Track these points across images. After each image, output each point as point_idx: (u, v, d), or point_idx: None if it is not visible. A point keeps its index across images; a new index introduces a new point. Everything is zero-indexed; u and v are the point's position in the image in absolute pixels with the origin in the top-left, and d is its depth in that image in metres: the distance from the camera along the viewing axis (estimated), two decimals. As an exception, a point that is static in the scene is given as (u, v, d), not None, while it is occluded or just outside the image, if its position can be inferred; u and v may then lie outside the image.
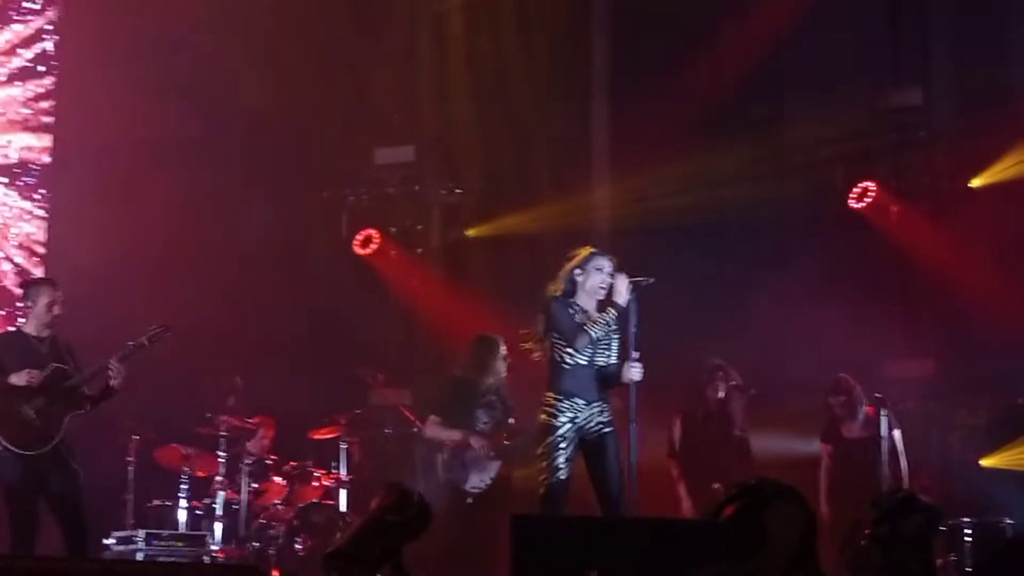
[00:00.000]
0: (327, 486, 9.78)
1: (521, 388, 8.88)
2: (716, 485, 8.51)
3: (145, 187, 11.03)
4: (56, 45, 11.81)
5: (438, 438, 9.02)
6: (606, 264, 7.31)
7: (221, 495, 9.51)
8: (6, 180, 11.69)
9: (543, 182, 11.32)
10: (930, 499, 4.74)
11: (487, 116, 11.48)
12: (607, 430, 7.23)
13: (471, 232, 11.62)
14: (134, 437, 9.53)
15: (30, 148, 11.76)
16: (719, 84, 10.54)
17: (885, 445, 8.61)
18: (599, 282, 7.27)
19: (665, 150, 10.60)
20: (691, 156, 10.64)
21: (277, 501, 9.74)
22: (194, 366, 10.08)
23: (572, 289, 7.33)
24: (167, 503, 9.52)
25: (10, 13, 11.77)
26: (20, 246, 11.63)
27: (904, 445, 8.80)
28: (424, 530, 4.77)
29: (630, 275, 7.23)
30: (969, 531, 8.29)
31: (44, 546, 7.94)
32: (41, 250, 11.62)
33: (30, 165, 11.74)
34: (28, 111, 11.78)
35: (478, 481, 8.88)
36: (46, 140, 11.73)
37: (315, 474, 9.84)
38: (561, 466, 7.13)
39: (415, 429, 9.99)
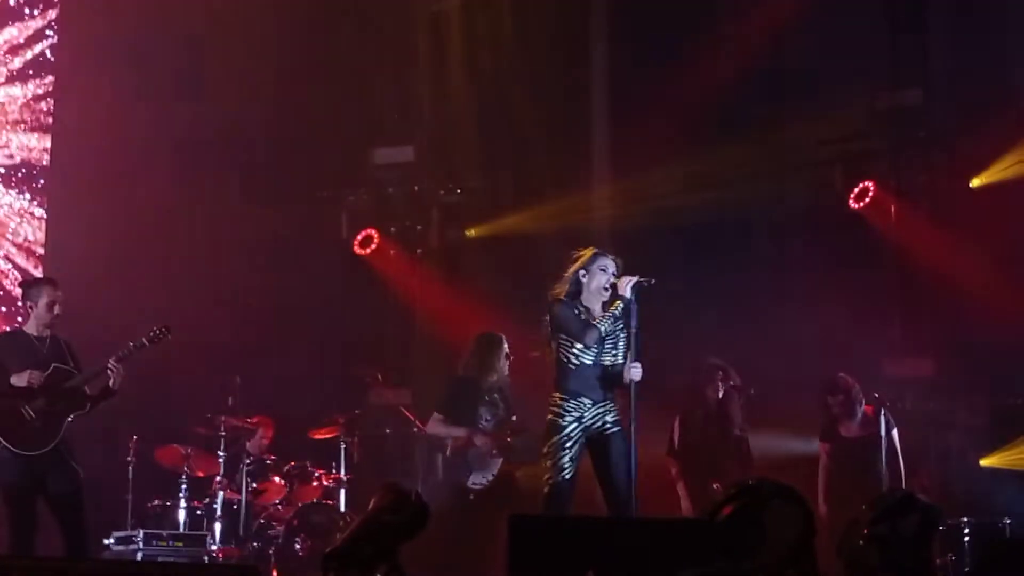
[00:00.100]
0: (327, 486, 9.78)
1: (525, 387, 8.89)
2: (715, 485, 8.52)
3: (144, 187, 11.05)
4: (55, 46, 11.81)
5: (441, 435, 9.05)
6: (610, 264, 7.34)
7: (221, 495, 9.51)
8: (5, 180, 11.69)
9: (543, 182, 11.31)
10: (929, 499, 4.73)
11: (486, 116, 11.49)
12: (615, 429, 7.26)
13: (471, 232, 11.62)
14: (133, 437, 9.55)
15: (29, 148, 11.76)
16: (718, 84, 10.54)
17: (884, 444, 8.62)
18: (603, 282, 7.30)
19: (664, 150, 10.61)
20: (691, 156, 10.65)
21: (277, 501, 9.74)
22: (194, 366, 10.09)
23: (577, 290, 7.35)
24: (167, 503, 9.51)
25: (10, 14, 11.78)
26: (19, 246, 11.64)
27: (901, 445, 8.81)
28: (422, 530, 4.78)
29: (634, 275, 7.26)
30: (968, 531, 8.29)
31: (44, 546, 7.93)
32: (40, 250, 11.63)
33: (29, 165, 11.75)
34: (27, 111, 11.78)
35: (480, 478, 8.90)
36: (45, 140, 11.74)
37: (315, 474, 9.83)
38: (566, 465, 7.15)
39: (415, 429, 10.00)
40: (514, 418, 9.00)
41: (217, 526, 9.45)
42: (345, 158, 11.76)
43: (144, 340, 8.12)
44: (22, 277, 10.84)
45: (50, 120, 11.75)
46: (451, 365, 9.80)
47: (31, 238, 11.66)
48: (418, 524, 4.76)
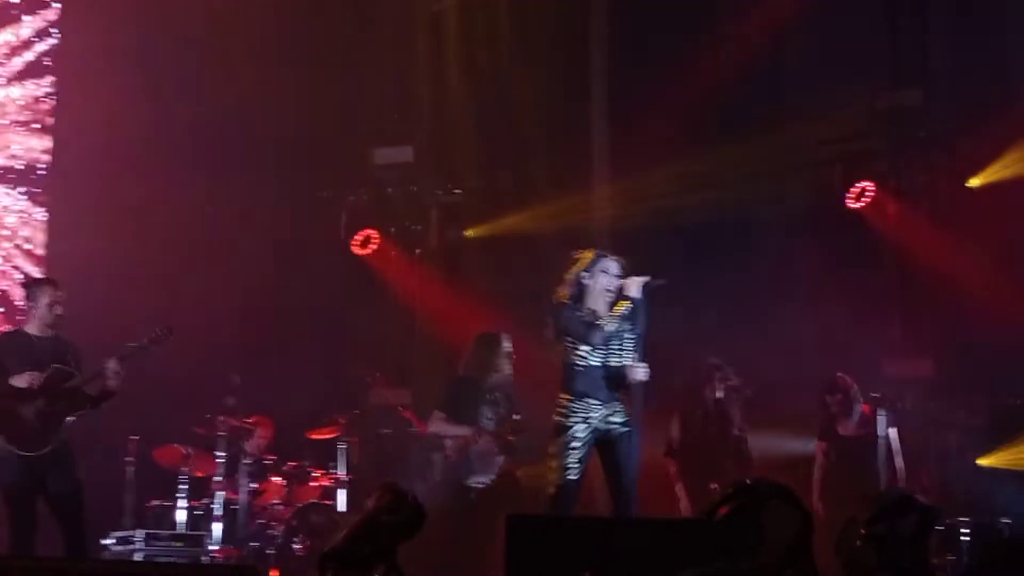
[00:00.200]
0: (326, 486, 9.79)
1: (526, 387, 8.90)
2: (714, 485, 8.52)
3: (144, 187, 11.05)
4: (56, 47, 11.82)
5: (442, 434, 9.06)
6: (612, 266, 7.34)
7: (220, 495, 9.51)
8: (6, 181, 11.70)
9: (542, 182, 11.30)
10: (928, 499, 4.74)
11: (486, 116, 11.49)
12: (623, 430, 7.25)
13: (470, 232, 11.61)
14: (133, 437, 9.54)
15: (30, 149, 11.77)
16: (718, 84, 10.53)
17: (882, 444, 8.62)
18: (606, 284, 7.29)
19: (664, 150, 10.60)
20: (690, 156, 10.64)
21: (276, 501, 9.74)
22: (193, 366, 10.08)
23: (580, 293, 7.33)
24: (166, 503, 9.52)
25: (10, 14, 11.78)
26: (19, 247, 11.64)
27: (900, 444, 8.81)
28: (419, 530, 4.78)
29: (641, 275, 7.26)
30: (966, 531, 8.29)
31: (43, 546, 7.94)
32: (40, 251, 11.63)
33: (30, 166, 11.75)
34: (28, 112, 11.78)
35: (482, 477, 8.91)
36: (46, 141, 11.74)
37: (314, 474, 9.85)
38: (572, 466, 7.15)
39: (414, 429, 10.00)
40: (516, 417, 9.00)
41: (216, 526, 9.45)
42: (344, 158, 11.76)
43: (145, 341, 8.12)
44: (22, 277, 10.86)
45: (50, 120, 11.76)
46: (450, 365, 9.81)
47: (31, 238, 11.66)
48: (416, 524, 4.77)
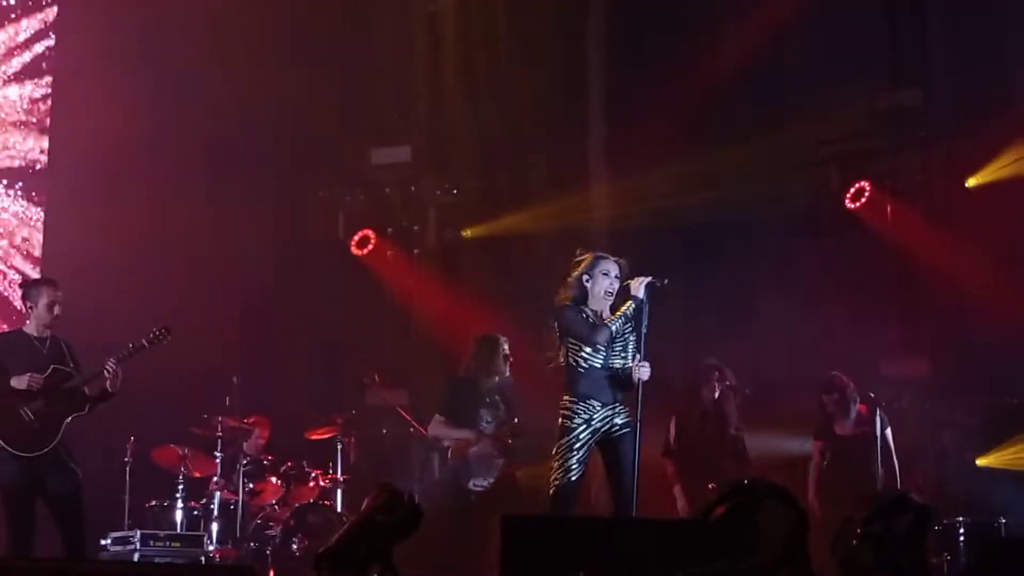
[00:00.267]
0: (324, 486, 9.77)
1: (526, 388, 8.90)
2: (711, 485, 8.51)
3: (142, 188, 11.04)
4: (52, 47, 11.81)
5: (442, 437, 9.06)
6: (612, 267, 7.35)
7: (218, 495, 9.51)
8: (3, 182, 11.69)
9: (540, 182, 11.30)
10: (924, 499, 4.73)
11: (483, 116, 11.49)
12: (625, 431, 7.26)
13: (468, 232, 11.61)
14: (131, 437, 9.54)
15: (27, 150, 11.76)
16: (717, 84, 10.52)
17: (878, 444, 8.63)
18: (607, 286, 7.32)
19: (662, 150, 10.59)
20: (688, 156, 10.63)
21: (274, 501, 9.74)
22: (191, 366, 10.08)
23: (582, 295, 7.35)
24: (164, 503, 9.52)
25: (8, 15, 11.77)
26: (17, 247, 11.63)
27: (895, 444, 8.81)
28: (415, 530, 4.76)
29: (645, 275, 7.27)
30: (963, 531, 8.29)
31: (42, 547, 7.93)
32: (38, 252, 11.62)
33: (27, 166, 11.74)
34: (25, 112, 11.78)
35: (482, 480, 8.90)
36: (43, 141, 11.73)
37: (312, 474, 9.83)
38: (573, 467, 7.16)
39: (412, 429, 10.00)
40: (516, 420, 9.00)
41: (214, 526, 9.46)
42: (342, 158, 11.76)
43: (144, 341, 8.11)
44: (20, 278, 10.85)
45: (48, 121, 11.75)
46: (448, 365, 9.80)
47: (29, 239, 11.65)
48: (412, 524, 4.75)
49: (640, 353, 7.23)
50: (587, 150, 11.49)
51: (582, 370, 7.26)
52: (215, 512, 9.49)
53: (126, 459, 9.49)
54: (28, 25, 11.83)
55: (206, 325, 10.30)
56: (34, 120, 11.79)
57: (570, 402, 7.25)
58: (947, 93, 10.60)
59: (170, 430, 9.83)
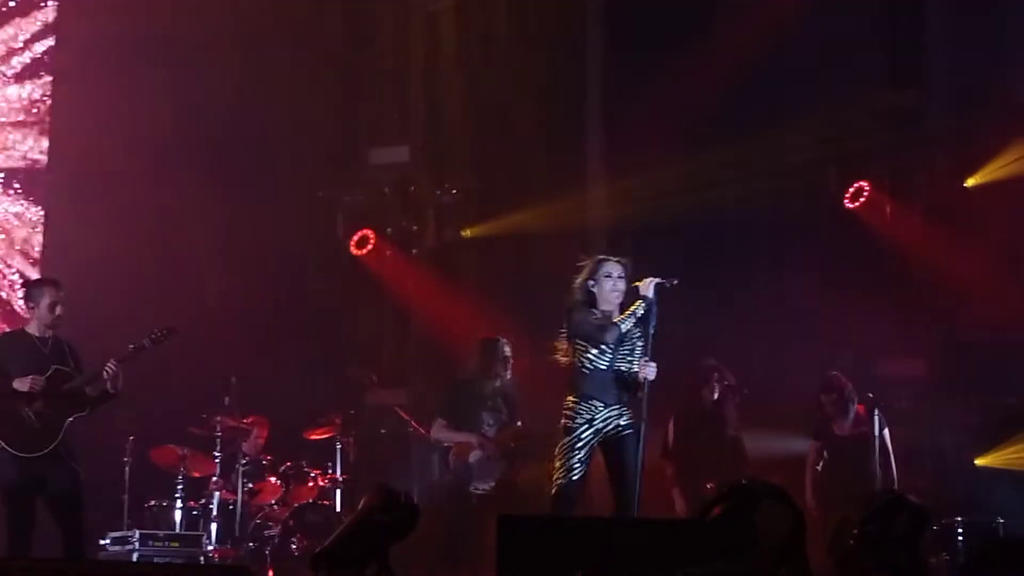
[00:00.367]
0: (322, 486, 9.78)
1: (527, 390, 8.90)
2: (710, 485, 8.51)
3: (141, 188, 11.04)
4: (53, 47, 11.81)
5: (444, 440, 9.07)
6: (614, 268, 7.37)
7: (217, 495, 9.52)
8: (3, 182, 11.69)
9: (538, 182, 11.27)
10: (922, 499, 4.73)
11: (482, 116, 11.48)
12: (627, 432, 7.26)
13: (466, 232, 11.60)
14: (130, 437, 9.54)
15: (27, 150, 11.76)
16: (715, 84, 10.51)
17: (876, 444, 8.63)
18: (611, 287, 7.33)
19: (661, 150, 10.58)
20: (687, 156, 10.61)
21: (273, 501, 9.74)
22: (190, 366, 10.08)
23: (590, 299, 7.36)
24: (163, 503, 9.53)
25: (7, 15, 11.78)
26: (16, 248, 11.63)
27: (892, 444, 8.81)
28: (412, 530, 4.77)
29: (655, 275, 7.27)
30: (962, 530, 8.29)
31: (41, 547, 7.92)
32: (37, 252, 11.62)
33: (27, 167, 11.74)
34: (25, 113, 11.78)
35: (483, 484, 8.90)
36: (43, 142, 11.73)
37: (310, 474, 9.84)
38: (575, 467, 7.17)
39: (411, 429, 9.99)
40: (519, 423, 9.00)
41: (213, 526, 9.48)
42: (341, 158, 11.75)
43: (145, 342, 8.10)
44: (20, 279, 10.85)
45: (47, 121, 11.75)
46: (447, 365, 9.81)
47: (28, 240, 11.65)
48: (408, 524, 4.76)
49: (648, 354, 7.24)
50: (586, 150, 11.48)
51: (587, 371, 7.27)
52: (214, 512, 9.50)
53: (125, 459, 9.49)
54: (28, 25, 11.83)
55: (205, 325, 10.29)
56: (34, 120, 11.80)
57: (573, 402, 7.26)
58: (946, 93, 10.60)
59: (169, 430, 9.83)
